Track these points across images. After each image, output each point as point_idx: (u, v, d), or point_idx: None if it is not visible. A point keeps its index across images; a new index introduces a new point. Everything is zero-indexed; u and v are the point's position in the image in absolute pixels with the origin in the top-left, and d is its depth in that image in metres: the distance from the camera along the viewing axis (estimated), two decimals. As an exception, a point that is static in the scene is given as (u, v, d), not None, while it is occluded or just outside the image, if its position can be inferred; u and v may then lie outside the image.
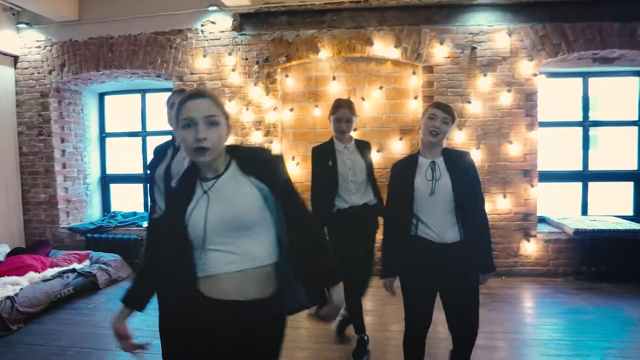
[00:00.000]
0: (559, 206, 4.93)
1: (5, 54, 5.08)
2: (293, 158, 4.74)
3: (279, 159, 1.47)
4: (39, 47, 5.14)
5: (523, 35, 4.30)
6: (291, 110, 4.75)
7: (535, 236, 4.41)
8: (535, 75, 4.31)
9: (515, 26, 4.30)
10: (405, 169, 2.14)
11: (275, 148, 4.72)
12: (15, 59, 5.19)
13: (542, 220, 4.78)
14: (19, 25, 5.08)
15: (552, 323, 3.35)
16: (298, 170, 4.70)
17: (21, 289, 3.67)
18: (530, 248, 4.40)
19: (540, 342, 3.02)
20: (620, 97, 4.82)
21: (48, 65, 5.12)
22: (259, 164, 1.41)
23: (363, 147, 2.93)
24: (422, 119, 2.14)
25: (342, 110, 2.78)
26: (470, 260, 2.06)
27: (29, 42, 5.16)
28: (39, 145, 5.20)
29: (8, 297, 3.47)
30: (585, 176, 4.77)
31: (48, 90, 5.13)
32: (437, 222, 2.03)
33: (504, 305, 3.71)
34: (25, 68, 5.18)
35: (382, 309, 3.66)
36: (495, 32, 4.33)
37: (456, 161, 2.11)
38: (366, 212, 2.80)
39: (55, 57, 5.10)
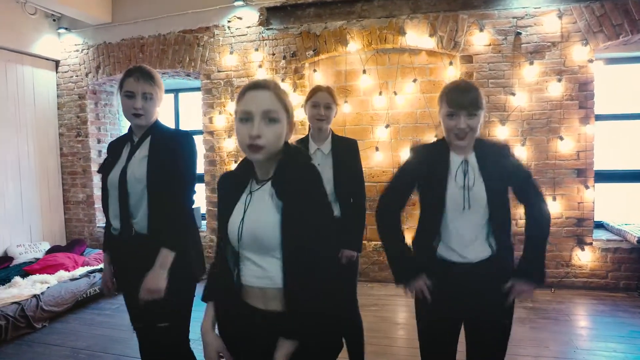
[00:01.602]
0: (622, 210, 4.32)
1: (47, 59, 5.27)
2: (320, 157, 4.51)
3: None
4: (77, 50, 5.29)
5: (576, 17, 3.79)
6: (318, 106, 4.52)
7: (590, 244, 3.88)
8: (590, 61, 3.79)
9: (566, 7, 3.80)
10: (435, 165, 1.65)
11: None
12: (57, 63, 5.38)
13: (600, 226, 4.22)
14: (59, 31, 5.25)
15: (609, 348, 2.87)
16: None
17: (48, 287, 3.72)
18: (585, 257, 3.88)
19: (591, 369, 2.59)
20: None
21: (85, 68, 5.25)
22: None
23: (343, 149, 2.33)
24: (439, 115, 1.69)
25: (321, 94, 2.26)
26: (503, 281, 1.60)
27: (68, 46, 5.32)
28: (77, 146, 5.35)
29: (34, 296, 3.52)
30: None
31: (85, 92, 5.27)
32: (462, 239, 1.61)
33: (551, 323, 3.26)
34: (65, 72, 5.35)
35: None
36: (543, 14, 3.86)
37: (493, 158, 1.64)
38: None
39: (91, 60, 5.21)
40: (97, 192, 5.37)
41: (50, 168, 5.34)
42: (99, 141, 5.41)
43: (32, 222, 5.10)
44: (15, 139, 4.89)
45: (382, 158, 4.36)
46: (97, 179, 5.36)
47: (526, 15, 3.90)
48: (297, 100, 4.51)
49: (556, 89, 3.85)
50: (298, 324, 1.16)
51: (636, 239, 3.61)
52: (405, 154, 4.31)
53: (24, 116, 4.99)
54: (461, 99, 1.58)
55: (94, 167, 5.33)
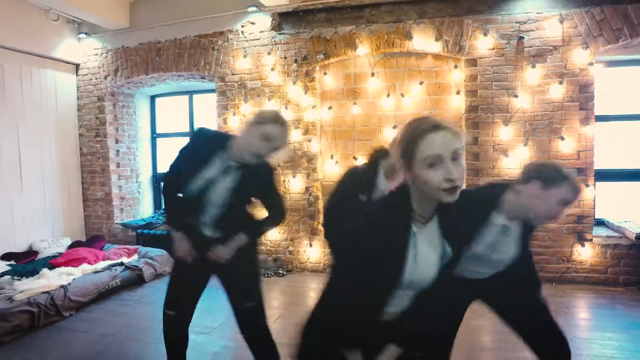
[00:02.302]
0: (623, 209, 4.46)
1: (68, 63, 5.51)
2: (332, 156, 4.70)
3: None
4: (96, 54, 5.52)
5: (577, 22, 3.94)
6: (330, 108, 4.71)
7: (591, 240, 4.03)
8: (591, 64, 3.94)
9: (567, 12, 3.96)
10: None
11: (314, 147, 4.71)
12: (77, 66, 5.62)
13: (601, 223, 4.37)
14: (80, 35, 5.48)
15: (605, 338, 3.03)
16: (337, 169, 4.65)
17: (74, 279, 3.95)
18: (585, 253, 4.03)
19: (589, 357, 2.75)
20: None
21: (104, 71, 5.48)
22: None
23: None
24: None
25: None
26: None
27: (88, 50, 5.55)
28: (96, 146, 5.59)
29: (62, 286, 3.74)
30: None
31: (104, 95, 5.50)
32: None
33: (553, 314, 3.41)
34: (85, 75, 5.58)
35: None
36: (544, 19, 4.01)
37: None
38: None
39: (109, 63, 5.44)
40: (115, 190, 5.61)
41: (70, 167, 5.58)
42: (116, 141, 5.64)
43: (55, 218, 5.34)
44: (39, 140, 5.13)
45: (389, 157, 4.53)
46: (115, 178, 5.59)
47: (529, 20, 4.05)
48: (308, 102, 4.71)
49: (557, 91, 4.00)
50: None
51: (634, 235, 3.76)
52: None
53: (47, 118, 5.23)
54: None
55: (112, 166, 5.56)
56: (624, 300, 3.69)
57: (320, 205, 4.77)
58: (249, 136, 1.90)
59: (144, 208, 6.02)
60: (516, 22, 4.08)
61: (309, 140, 4.73)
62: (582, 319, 3.43)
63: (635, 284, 3.92)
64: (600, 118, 4.21)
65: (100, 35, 5.45)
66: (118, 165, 5.64)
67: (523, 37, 4.06)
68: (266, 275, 4.73)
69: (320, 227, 4.76)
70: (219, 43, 4.96)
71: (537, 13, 4.02)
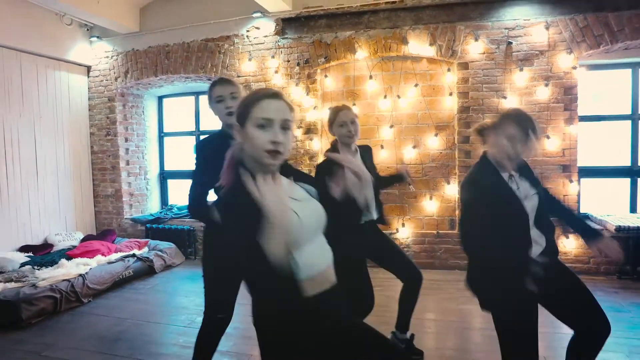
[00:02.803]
0: (606, 203, 4.74)
1: (80, 65, 5.77)
2: (331, 154, 4.97)
3: None
4: (107, 57, 5.78)
5: (562, 28, 4.22)
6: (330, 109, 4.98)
7: (574, 232, 4.30)
8: (574, 68, 4.22)
9: (553, 19, 4.24)
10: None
11: (316, 145, 4.98)
12: (88, 68, 5.87)
13: (585, 217, 4.64)
14: (91, 39, 5.74)
15: (583, 318, 3.30)
16: (336, 166, 4.91)
17: (90, 269, 4.22)
18: (570, 245, 4.31)
19: (567, 335, 3.01)
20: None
21: (114, 73, 5.74)
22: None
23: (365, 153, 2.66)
24: (497, 133, 1.82)
25: (345, 112, 2.50)
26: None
27: (99, 53, 5.81)
28: (106, 145, 5.85)
29: (80, 275, 4.01)
30: (634, 172, 4.58)
31: (114, 95, 5.76)
32: None
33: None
34: (96, 76, 5.84)
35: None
36: (531, 26, 4.29)
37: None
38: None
39: (120, 65, 5.71)
40: (125, 187, 5.87)
41: (82, 165, 5.84)
42: (126, 140, 5.90)
43: (67, 213, 5.60)
44: (54, 139, 5.39)
45: (386, 155, 4.81)
46: (125, 175, 5.85)
47: (517, 26, 4.33)
48: (309, 103, 4.98)
49: (544, 93, 4.28)
50: None
51: (615, 227, 4.03)
52: (407, 152, 4.76)
53: (61, 118, 5.49)
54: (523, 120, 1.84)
55: (122, 164, 5.82)
56: (605, 288, 3.97)
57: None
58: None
59: (152, 204, 6.28)
60: (505, 29, 4.36)
61: (311, 139, 5.00)
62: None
63: (615, 273, 4.20)
64: (583, 118, 4.49)
65: (111, 38, 5.71)
66: (127, 163, 5.90)
67: (511, 43, 4.34)
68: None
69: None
70: (225, 47, 5.23)
71: (525, 20, 4.30)
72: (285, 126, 1.29)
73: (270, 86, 5.09)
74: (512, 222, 1.78)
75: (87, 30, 5.72)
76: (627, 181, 4.63)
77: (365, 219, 2.49)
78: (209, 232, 2.14)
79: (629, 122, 4.57)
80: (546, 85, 4.28)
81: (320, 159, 5.02)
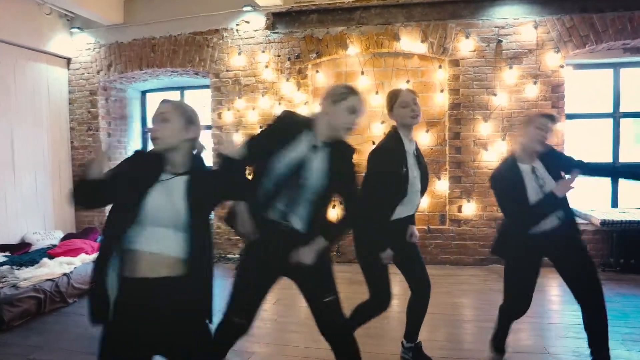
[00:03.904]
0: (589, 199, 4.90)
1: (60, 57, 5.54)
2: (322, 150, 4.95)
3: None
4: (89, 49, 5.58)
5: (549, 28, 4.34)
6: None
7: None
8: (562, 67, 4.34)
9: (541, 19, 4.34)
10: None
11: (305, 141, 4.94)
12: (69, 60, 5.66)
13: (570, 212, 4.78)
14: (72, 30, 5.53)
15: (574, 309, 3.36)
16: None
17: (75, 267, 4.05)
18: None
19: (560, 325, 3.10)
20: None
21: (96, 66, 5.55)
22: None
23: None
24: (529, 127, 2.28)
25: (406, 93, 2.35)
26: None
27: (80, 45, 5.61)
28: (88, 140, 5.64)
29: (65, 274, 3.85)
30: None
31: (96, 89, 5.56)
32: None
33: (528, 292, 3.77)
34: (76, 69, 5.63)
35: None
36: (521, 25, 4.39)
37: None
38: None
39: (103, 58, 5.52)
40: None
41: (62, 160, 5.61)
42: (109, 135, 5.71)
43: (46, 211, 5.38)
44: (31, 133, 5.15)
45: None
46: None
47: (506, 25, 4.42)
48: (300, 98, 4.94)
49: (532, 91, 4.38)
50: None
51: (599, 221, 4.16)
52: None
53: (39, 111, 5.26)
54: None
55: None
56: (591, 279, 4.09)
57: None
58: (337, 112, 1.88)
59: (135, 201, 6.10)
60: (495, 27, 4.44)
61: (301, 135, 4.95)
62: (553, 295, 3.81)
63: (600, 265, 4.33)
64: (570, 116, 4.61)
65: (93, 30, 5.51)
66: (110, 159, 5.69)
67: (501, 41, 4.43)
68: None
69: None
70: (214, 40, 5.13)
71: (514, 19, 4.39)
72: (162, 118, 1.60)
73: (261, 81, 5.03)
74: (517, 199, 2.29)
75: (68, 20, 5.50)
76: (608, 177, 4.78)
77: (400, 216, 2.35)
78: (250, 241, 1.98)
79: (610, 120, 4.73)
80: (535, 83, 4.38)
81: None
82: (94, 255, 4.46)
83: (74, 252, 4.49)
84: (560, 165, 2.42)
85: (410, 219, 2.46)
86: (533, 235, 2.29)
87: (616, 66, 4.66)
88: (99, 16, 5.18)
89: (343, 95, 1.89)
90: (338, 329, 1.96)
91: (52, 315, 3.48)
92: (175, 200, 1.52)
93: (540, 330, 3.05)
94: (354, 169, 1.99)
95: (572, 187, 2.24)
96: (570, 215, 2.38)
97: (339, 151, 1.94)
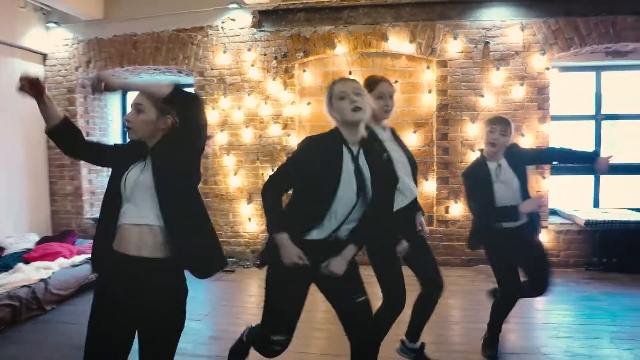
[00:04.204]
0: (571, 199, 4.98)
1: (35, 52, 5.31)
2: (309, 151, 4.88)
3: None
4: (66, 45, 5.37)
5: (535, 30, 4.38)
6: (308, 104, 4.90)
7: (546, 227, 4.49)
8: (547, 69, 4.40)
9: (528, 21, 4.39)
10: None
11: (293, 141, 4.87)
12: (44, 56, 5.43)
13: (554, 212, 4.85)
14: (48, 25, 5.31)
15: (562, 309, 3.44)
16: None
17: (53, 273, 3.87)
18: (542, 239, 4.47)
19: (551, 325, 3.13)
20: (633, 91, 4.86)
21: (75, 62, 5.34)
22: None
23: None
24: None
25: (385, 84, 2.31)
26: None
27: (57, 40, 5.39)
28: (65, 139, 5.42)
29: (42, 280, 3.67)
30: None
31: (74, 86, 5.36)
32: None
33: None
34: (53, 65, 5.41)
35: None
36: (508, 27, 4.42)
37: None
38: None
39: (81, 55, 5.32)
40: (86, 184, 5.48)
41: (37, 161, 5.38)
42: (87, 134, 5.50)
43: (20, 213, 5.14)
44: (5, 132, 4.92)
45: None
46: (85, 171, 5.46)
47: (494, 27, 4.45)
48: (287, 97, 4.87)
49: (519, 92, 4.42)
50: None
51: (584, 221, 4.23)
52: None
53: (14, 108, 5.02)
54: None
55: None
56: (575, 278, 4.16)
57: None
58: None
59: (115, 203, 5.90)
60: (483, 29, 4.46)
61: (288, 135, 4.89)
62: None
63: (584, 264, 4.41)
64: (555, 117, 4.68)
65: (71, 25, 5.30)
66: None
67: (489, 42, 4.45)
68: (245, 266, 4.84)
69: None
70: (199, 38, 5.00)
71: (502, 21, 4.43)
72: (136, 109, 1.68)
73: (247, 80, 4.93)
74: (484, 197, 2.55)
75: (44, 14, 5.28)
76: (591, 178, 4.88)
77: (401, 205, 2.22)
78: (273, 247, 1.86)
79: (592, 122, 4.82)
80: (521, 85, 4.42)
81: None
82: (73, 260, 4.30)
83: (51, 257, 4.30)
84: (525, 160, 2.64)
85: (414, 208, 2.34)
86: (499, 231, 2.54)
87: (598, 69, 4.75)
88: (78, 11, 4.98)
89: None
90: (369, 330, 1.88)
91: (29, 323, 3.31)
92: (146, 175, 1.59)
93: (531, 331, 3.07)
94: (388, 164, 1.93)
95: (538, 206, 2.63)
96: (535, 217, 2.68)
97: (371, 145, 1.87)
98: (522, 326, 3.14)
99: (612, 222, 4.18)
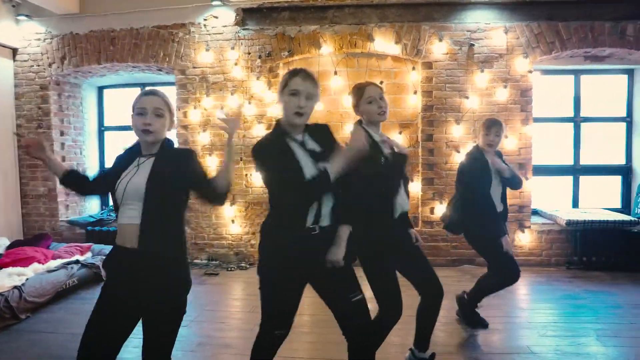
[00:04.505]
0: (551, 199, 5.09)
1: (4, 46, 5.05)
2: (295, 151, 4.82)
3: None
4: (38, 39, 5.13)
5: (519, 33, 4.46)
6: (293, 104, 4.83)
7: (529, 227, 4.58)
8: (530, 72, 4.48)
9: (511, 24, 4.46)
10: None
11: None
12: (14, 51, 5.17)
13: (535, 212, 4.95)
14: (19, 17, 5.06)
15: (548, 307, 3.50)
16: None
17: (27, 279, 3.68)
18: (525, 239, 4.56)
19: (538, 324, 3.17)
20: (610, 94, 5.01)
21: (48, 58, 5.11)
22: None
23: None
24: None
25: (372, 87, 2.28)
26: None
27: (28, 35, 5.14)
28: (38, 138, 5.17)
29: (15, 287, 3.47)
30: (576, 170, 4.97)
31: (48, 83, 5.13)
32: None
33: (501, 292, 3.81)
34: (24, 60, 5.16)
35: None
36: (492, 29, 4.48)
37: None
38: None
39: (55, 50, 5.09)
40: (60, 186, 5.21)
41: (7, 160, 5.13)
42: (61, 133, 5.28)
43: (-11, 216, 4.89)
44: (-28, 130, 4.67)
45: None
46: (60, 172, 5.23)
47: (478, 29, 4.50)
48: (271, 97, 4.79)
49: (502, 94, 4.49)
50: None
51: (565, 221, 4.33)
52: (372, 149, 4.75)
53: (-19, 106, 4.78)
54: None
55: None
56: (557, 277, 4.25)
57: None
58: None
59: (91, 204, 5.69)
60: (467, 31, 4.51)
61: (273, 135, 4.80)
62: (526, 294, 3.91)
63: (565, 264, 4.52)
64: (537, 119, 4.76)
65: (44, 19, 5.06)
66: (63, 159, 5.28)
67: (473, 45, 4.50)
68: (229, 269, 4.74)
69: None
70: (180, 35, 4.87)
71: (486, 24, 4.48)
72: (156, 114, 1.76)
73: (230, 79, 4.83)
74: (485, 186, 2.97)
75: (13, 7, 5.02)
76: (570, 179, 5.00)
77: (397, 213, 2.22)
78: (268, 237, 1.89)
79: (571, 124, 4.95)
80: (505, 87, 4.49)
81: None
82: (48, 265, 4.11)
83: (24, 262, 4.10)
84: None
85: (407, 220, 2.37)
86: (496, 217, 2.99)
87: (577, 73, 4.88)
88: (51, 3, 4.77)
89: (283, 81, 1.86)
90: (366, 330, 1.86)
91: (2, 334, 3.12)
92: (140, 179, 1.69)
93: (520, 330, 3.10)
94: (334, 141, 1.90)
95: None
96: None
97: (319, 132, 1.89)
98: (508, 326, 3.18)
99: (592, 221, 4.29)
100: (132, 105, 1.78)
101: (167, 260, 1.69)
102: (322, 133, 1.91)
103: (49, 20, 5.07)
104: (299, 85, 1.79)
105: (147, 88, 1.82)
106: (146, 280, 1.65)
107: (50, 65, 5.10)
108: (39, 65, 5.14)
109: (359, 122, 2.31)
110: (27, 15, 5.05)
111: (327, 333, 3.02)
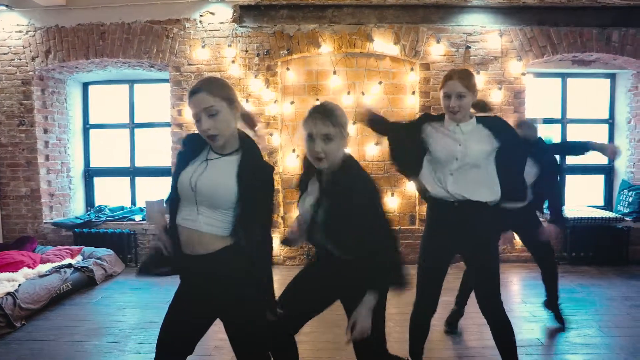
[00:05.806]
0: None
1: (-19, 38, 4.77)
2: (294, 150, 4.79)
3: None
4: (20, 31, 4.86)
5: (513, 37, 4.60)
6: (292, 103, 4.80)
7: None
8: (523, 74, 4.63)
9: (505, 28, 4.59)
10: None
11: (276, 141, 4.76)
12: (-7, 44, 4.89)
13: (526, 210, 5.12)
14: (-2, 8, 4.78)
15: (539, 301, 3.61)
16: (298, 163, 4.75)
17: (20, 285, 3.50)
18: (517, 236, 4.70)
19: (542, 318, 3.28)
20: (593, 97, 5.26)
21: (31, 52, 4.86)
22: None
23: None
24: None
25: (454, 83, 2.12)
26: None
27: (8, 26, 4.87)
28: (19, 136, 4.92)
29: (9, 294, 3.29)
30: (562, 169, 5.18)
31: (31, 78, 4.87)
32: None
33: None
34: (4, 54, 4.88)
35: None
36: (487, 32, 4.61)
37: None
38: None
39: (39, 43, 4.84)
40: (44, 186, 5.01)
41: (-14, 159, 4.84)
42: (45, 131, 5.03)
43: (-33, 219, 4.60)
44: (-50, 127, 4.38)
45: (349, 151, 4.77)
46: (44, 172, 4.99)
47: (474, 32, 4.61)
48: (269, 96, 4.74)
49: (497, 96, 4.62)
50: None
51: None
52: (370, 148, 4.80)
53: (-41, 101, 4.49)
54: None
55: (41, 159, 4.96)
56: (550, 273, 4.41)
57: (281, 198, 4.83)
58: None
59: (76, 205, 5.45)
60: (464, 33, 4.61)
61: (270, 134, 4.77)
62: (523, 288, 4.05)
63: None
64: (529, 120, 4.94)
65: (26, 10, 4.81)
66: (47, 158, 5.04)
67: (470, 47, 4.61)
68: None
69: (280, 220, 4.83)
70: (175, 31, 4.73)
71: (482, 27, 4.60)
72: (209, 113, 1.52)
73: (227, 77, 4.74)
74: None
75: (-7, -3, 4.75)
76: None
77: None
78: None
79: (559, 125, 5.16)
80: (499, 89, 4.62)
81: (280, 155, 4.82)
82: (39, 269, 3.92)
83: (12, 267, 3.89)
84: None
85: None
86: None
87: (564, 76, 5.08)
88: (35, -5, 4.54)
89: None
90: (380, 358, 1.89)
91: (-1, 343, 2.96)
92: (226, 180, 1.54)
93: (526, 324, 3.20)
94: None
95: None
96: None
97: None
98: (514, 320, 3.19)
99: (580, 219, 4.50)
100: None
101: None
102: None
103: (33, 12, 4.82)
104: (312, 128, 1.65)
105: (193, 85, 1.56)
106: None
107: (33, 59, 4.85)
108: (20, 59, 4.88)
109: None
110: (6, 6, 4.77)
111: (326, 337, 3.01)
